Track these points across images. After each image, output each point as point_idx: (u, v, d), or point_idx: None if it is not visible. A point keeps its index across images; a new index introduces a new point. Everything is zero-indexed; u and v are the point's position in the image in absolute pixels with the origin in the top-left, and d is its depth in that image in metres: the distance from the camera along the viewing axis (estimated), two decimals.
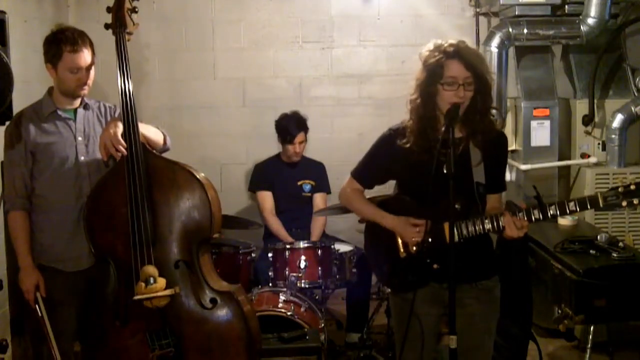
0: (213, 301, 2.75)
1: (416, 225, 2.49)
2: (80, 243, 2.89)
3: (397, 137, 2.52)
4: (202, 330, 2.72)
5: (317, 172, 4.59)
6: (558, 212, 2.35)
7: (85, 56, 2.86)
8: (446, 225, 2.37)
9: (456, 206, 2.35)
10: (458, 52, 2.39)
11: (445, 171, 2.24)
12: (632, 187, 2.29)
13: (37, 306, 2.85)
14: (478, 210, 2.48)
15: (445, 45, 2.41)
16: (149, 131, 2.92)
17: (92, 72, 2.93)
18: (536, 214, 2.37)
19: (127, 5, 2.87)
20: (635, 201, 2.28)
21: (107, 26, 2.88)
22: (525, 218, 2.38)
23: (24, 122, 2.91)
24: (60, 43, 2.82)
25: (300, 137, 4.42)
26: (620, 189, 2.30)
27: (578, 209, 2.34)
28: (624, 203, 2.29)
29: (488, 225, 2.41)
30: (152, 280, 2.65)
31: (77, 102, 2.98)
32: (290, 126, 4.40)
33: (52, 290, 2.91)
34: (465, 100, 2.39)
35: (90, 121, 3.00)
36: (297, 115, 4.49)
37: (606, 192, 2.32)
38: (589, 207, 2.33)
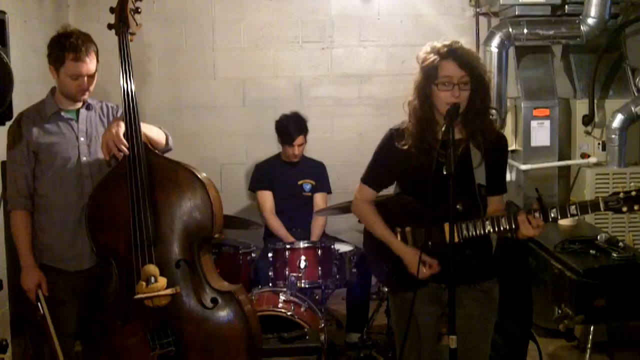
0: (214, 301, 2.75)
1: (425, 262, 2.45)
2: (82, 243, 2.89)
3: (396, 138, 2.53)
4: (202, 330, 2.72)
5: (317, 171, 4.59)
6: (559, 216, 2.36)
7: (88, 65, 2.85)
8: (446, 226, 2.38)
9: (458, 207, 2.35)
10: (452, 52, 2.40)
11: (445, 172, 2.24)
12: (633, 193, 2.29)
13: (39, 304, 2.86)
14: (479, 211, 2.48)
15: (439, 46, 2.43)
16: (152, 131, 2.92)
17: (95, 78, 2.92)
18: (537, 216, 2.37)
19: (130, 5, 2.86)
20: (636, 207, 2.29)
21: (110, 26, 2.87)
22: (539, 218, 2.37)
23: (26, 122, 2.92)
24: (63, 49, 2.82)
25: (299, 139, 4.41)
26: (621, 195, 2.30)
27: (579, 213, 2.34)
28: (625, 208, 2.30)
29: (489, 227, 2.41)
30: (153, 279, 2.65)
31: (80, 102, 2.99)
32: (290, 128, 4.40)
33: (53, 290, 2.91)
34: (462, 100, 2.39)
35: (92, 121, 3.01)
36: (297, 116, 4.48)
37: (607, 197, 2.32)
38: (590, 211, 2.34)
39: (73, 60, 2.82)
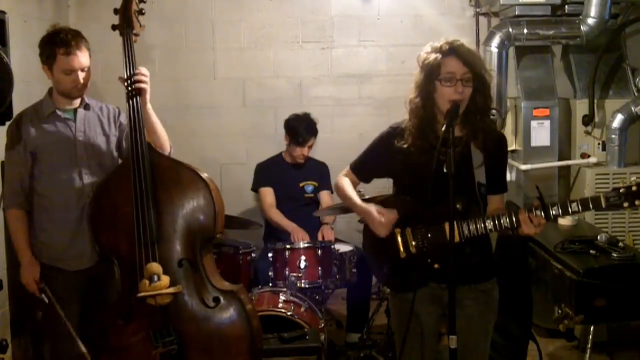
0: (216, 300, 2.75)
1: (382, 214, 2.52)
2: (82, 242, 2.90)
3: (396, 136, 2.53)
4: (204, 329, 2.73)
5: (319, 172, 4.58)
6: (560, 213, 2.35)
7: (80, 58, 2.86)
8: (447, 225, 2.38)
9: (457, 206, 2.35)
10: (454, 49, 2.41)
11: (445, 171, 2.24)
12: (634, 188, 2.29)
13: (43, 296, 2.85)
14: (479, 210, 2.48)
15: (441, 43, 2.44)
16: (160, 127, 2.93)
17: (89, 73, 2.93)
18: (538, 214, 2.37)
19: (135, 7, 2.88)
20: (637, 202, 2.28)
21: (114, 27, 2.88)
22: (540, 216, 2.37)
23: (24, 123, 2.93)
24: (54, 45, 2.83)
25: (310, 141, 4.43)
26: (621, 190, 2.30)
27: (580, 210, 2.34)
28: (626, 204, 2.29)
29: (490, 225, 2.41)
30: (156, 278, 2.66)
31: (77, 102, 2.99)
32: (302, 129, 4.38)
33: (54, 290, 2.91)
34: (464, 97, 2.40)
35: (90, 121, 3.01)
36: (308, 118, 4.46)
37: (608, 193, 2.32)
38: (591, 207, 2.33)
39: (64, 55, 2.83)
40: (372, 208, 2.57)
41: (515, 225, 2.38)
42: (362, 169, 2.72)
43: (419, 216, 2.50)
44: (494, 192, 2.57)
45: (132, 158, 2.74)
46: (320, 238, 4.22)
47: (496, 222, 2.40)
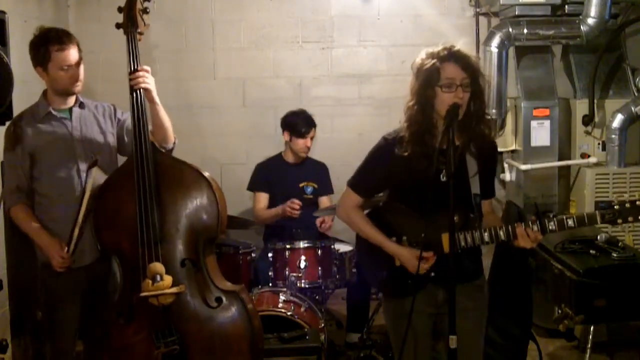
0: (218, 300, 2.76)
1: (423, 257, 2.46)
2: (82, 239, 2.90)
3: (394, 145, 2.51)
4: (206, 329, 2.73)
5: (319, 173, 4.57)
6: (557, 229, 2.40)
7: (73, 53, 2.89)
8: (444, 236, 2.40)
9: (454, 218, 2.35)
10: (452, 55, 2.41)
11: (443, 178, 2.25)
12: (627, 205, 2.34)
13: (71, 245, 2.84)
14: (476, 221, 2.49)
15: (438, 49, 2.44)
16: (168, 123, 2.95)
17: (82, 67, 2.95)
18: (535, 229, 2.41)
19: (139, 5, 2.89)
20: (630, 219, 2.35)
21: (118, 26, 2.90)
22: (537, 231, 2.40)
23: (22, 125, 2.95)
24: (47, 44, 2.85)
25: (312, 132, 4.43)
26: (616, 207, 2.35)
27: (576, 226, 2.39)
28: (620, 221, 2.36)
29: (487, 239, 2.45)
30: (158, 277, 2.66)
31: (72, 101, 3.00)
32: (302, 121, 4.39)
33: (54, 288, 2.92)
34: (464, 102, 2.40)
35: (86, 120, 3.02)
36: (305, 112, 4.49)
37: (603, 210, 2.37)
38: (587, 224, 2.38)
39: (59, 51, 2.85)
40: (406, 252, 2.52)
41: (512, 238, 2.41)
42: (364, 185, 2.65)
43: (414, 226, 2.50)
44: (485, 197, 2.61)
45: (136, 157, 2.75)
46: (319, 224, 4.24)
47: (493, 234, 2.44)
